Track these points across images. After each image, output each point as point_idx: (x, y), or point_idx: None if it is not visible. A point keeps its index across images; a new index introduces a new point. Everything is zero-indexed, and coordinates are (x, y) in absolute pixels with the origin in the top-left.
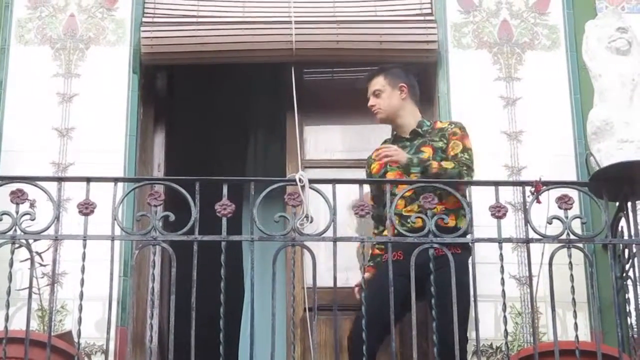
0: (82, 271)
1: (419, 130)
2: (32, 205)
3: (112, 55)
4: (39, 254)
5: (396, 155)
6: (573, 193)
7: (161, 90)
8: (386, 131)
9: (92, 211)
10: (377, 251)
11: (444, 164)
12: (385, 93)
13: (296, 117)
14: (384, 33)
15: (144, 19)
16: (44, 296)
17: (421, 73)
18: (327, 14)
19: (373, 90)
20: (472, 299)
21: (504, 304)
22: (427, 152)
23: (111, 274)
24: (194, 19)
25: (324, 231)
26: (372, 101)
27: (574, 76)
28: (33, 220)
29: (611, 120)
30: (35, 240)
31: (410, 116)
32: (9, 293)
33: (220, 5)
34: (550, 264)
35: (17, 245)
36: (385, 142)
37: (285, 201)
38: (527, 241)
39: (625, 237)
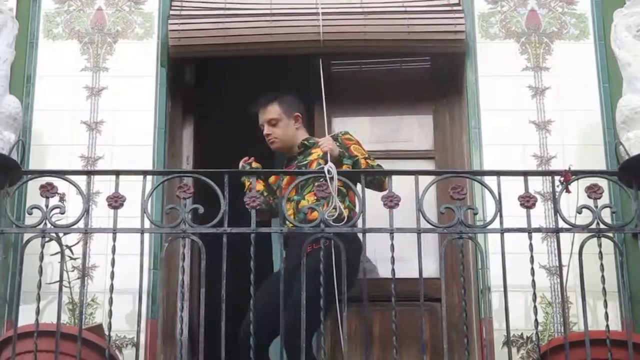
0: (112, 264)
1: (306, 142)
2: (61, 199)
3: (140, 49)
4: (69, 248)
5: (333, 148)
6: (602, 182)
7: (189, 83)
8: (415, 122)
9: (122, 204)
10: None
11: (369, 161)
12: (282, 122)
13: (324, 109)
14: (412, 24)
15: (172, 12)
16: (75, 289)
17: (449, 63)
18: (354, 5)
19: (269, 119)
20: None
21: (534, 294)
22: (314, 155)
23: (141, 266)
24: (222, 11)
25: (354, 222)
26: (267, 130)
27: (603, 65)
28: (63, 213)
29: None
30: (65, 233)
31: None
32: (39, 287)
33: None
34: (580, 254)
35: (47, 239)
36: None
37: (314, 193)
38: (557, 231)
39: None
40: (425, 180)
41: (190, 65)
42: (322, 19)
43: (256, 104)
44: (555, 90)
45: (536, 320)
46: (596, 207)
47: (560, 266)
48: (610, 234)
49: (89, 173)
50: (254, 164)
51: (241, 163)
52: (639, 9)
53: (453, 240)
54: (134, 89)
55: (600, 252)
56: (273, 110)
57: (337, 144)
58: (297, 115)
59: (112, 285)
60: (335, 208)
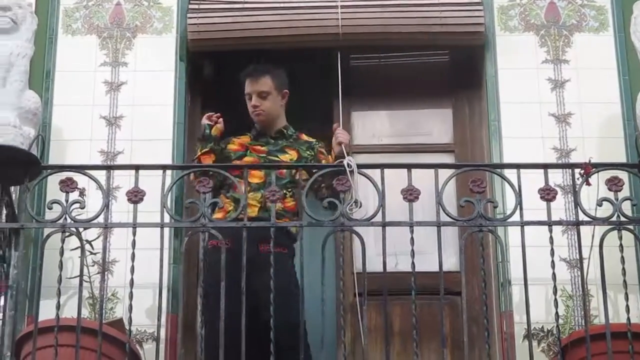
0: (132, 259)
1: (285, 132)
2: (81, 194)
3: (159, 43)
4: (89, 242)
5: (346, 141)
6: (623, 175)
7: (208, 77)
8: (435, 116)
9: (141, 199)
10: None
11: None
12: (272, 96)
13: (340, 103)
14: (431, 17)
15: (190, 6)
16: (95, 284)
17: (468, 56)
18: None
19: (259, 91)
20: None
21: (555, 287)
22: (291, 155)
23: (161, 261)
24: (240, 5)
25: (373, 216)
26: (256, 101)
27: (622, 57)
28: (83, 208)
29: None
30: (85, 228)
31: (281, 120)
32: (60, 281)
33: None
34: (600, 246)
35: (67, 234)
36: (244, 134)
37: (334, 186)
38: (577, 224)
39: None
40: (444, 173)
41: (209, 59)
42: (341, 12)
43: (247, 73)
44: (575, 83)
45: (557, 313)
46: (616, 199)
47: (581, 259)
48: (631, 227)
49: (108, 168)
50: (219, 125)
51: (204, 119)
52: None
53: (473, 233)
54: (153, 83)
55: (621, 245)
56: (265, 83)
57: (311, 152)
58: (286, 92)
59: (132, 280)
60: (355, 202)
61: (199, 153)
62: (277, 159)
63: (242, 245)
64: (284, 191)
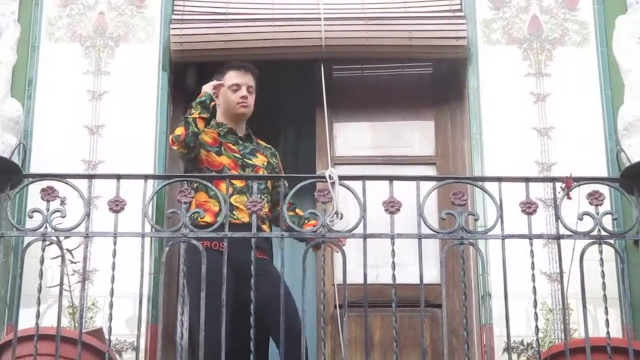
0: (113, 268)
1: (251, 135)
2: (62, 203)
3: (142, 53)
4: (70, 251)
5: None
6: (604, 189)
7: (191, 87)
8: (417, 128)
9: (123, 208)
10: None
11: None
12: (254, 95)
13: (326, 114)
14: (414, 29)
15: (174, 16)
16: (75, 293)
17: (451, 69)
18: (356, 10)
19: (249, 85)
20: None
21: (535, 300)
22: (262, 159)
23: (142, 271)
24: (223, 16)
25: (354, 228)
26: (246, 93)
27: (605, 72)
28: (63, 217)
29: None
30: (65, 237)
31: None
32: (40, 290)
33: (250, 2)
34: (581, 260)
35: (47, 243)
36: (212, 126)
37: (315, 198)
38: (558, 237)
39: None
40: (426, 185)
41: (191, 70)
42: (324, 24)
43: (236, 65)
44: (557, 97)
45: (537, 326)
46: (597, 213)
47: (561, 273)
48: (612, 241)
49: (90, 177)
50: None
51: (209, 88)
52: None
53: (454, 246)
54: (136, 92)
55: (602, 259)
56: (252, 79)
57: (275, 159)
58: (256, 93)
59: (112, 289)
60: (337, 213)
61: (197, 114)
62: (251, 162)
63: (237, 251)
64: (262, 196)
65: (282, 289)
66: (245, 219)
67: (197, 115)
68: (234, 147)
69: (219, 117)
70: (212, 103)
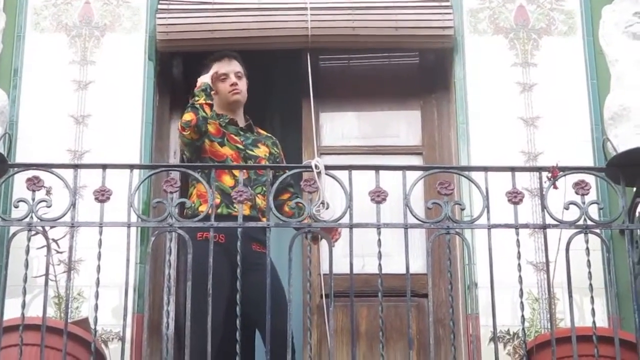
0: (99, 258)
1: (252, 125)
2: (48, 193)
3: (128, 43)
4: (55, 241)
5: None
6: (590, 179)
7: (177, 77)
8: (403, 118)
9: (108, 198)
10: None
11: None
12: (244, 79)
13: (312, 104)
14: (400, 19)
15: (160, 6)
16: (61, 283)
17: (437, 59)
18: (342, 0)
19: (236, 71)
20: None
21: (521, 290)
22: (263, 150)
23: (127, 260)
24: (210, 6)
25: (340, 218)
26: (235, 79)
27: (591, 61)
28: (49, 207)
29: (628, 106)
30: (51, 227)
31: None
32: (25, 280)
33: None
34: (567, 250)
35: (33, 232)
36: (212, 117)
37: (302, 188)
38: (544, 227)
39: None
40: (412, 175)
41: (177, 59)
42: (311, 14)
43: (219, 55)
44: (543, 87)
45: (522, 316)
46: (583, 203)
47: (547, 262)
48: (598, 231)
49: (75, 166)
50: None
51: (211, 79)
52: (628, 6)
53: (440, 235)
54: (122, 82)
55: (587, 249)
56: (238, 65)
57: (276, 149)
58: (247, 78)
59: (98, 279)
60: (323, 203)
61: (203, 101)
62: (253, 153)
63: (235, 243)
64: (263, 188)
65: (269, 285)
66: (246, 212)
67: (204, 102)
68: (236, 138)
69: (218, 110)
70: (213, 92)
